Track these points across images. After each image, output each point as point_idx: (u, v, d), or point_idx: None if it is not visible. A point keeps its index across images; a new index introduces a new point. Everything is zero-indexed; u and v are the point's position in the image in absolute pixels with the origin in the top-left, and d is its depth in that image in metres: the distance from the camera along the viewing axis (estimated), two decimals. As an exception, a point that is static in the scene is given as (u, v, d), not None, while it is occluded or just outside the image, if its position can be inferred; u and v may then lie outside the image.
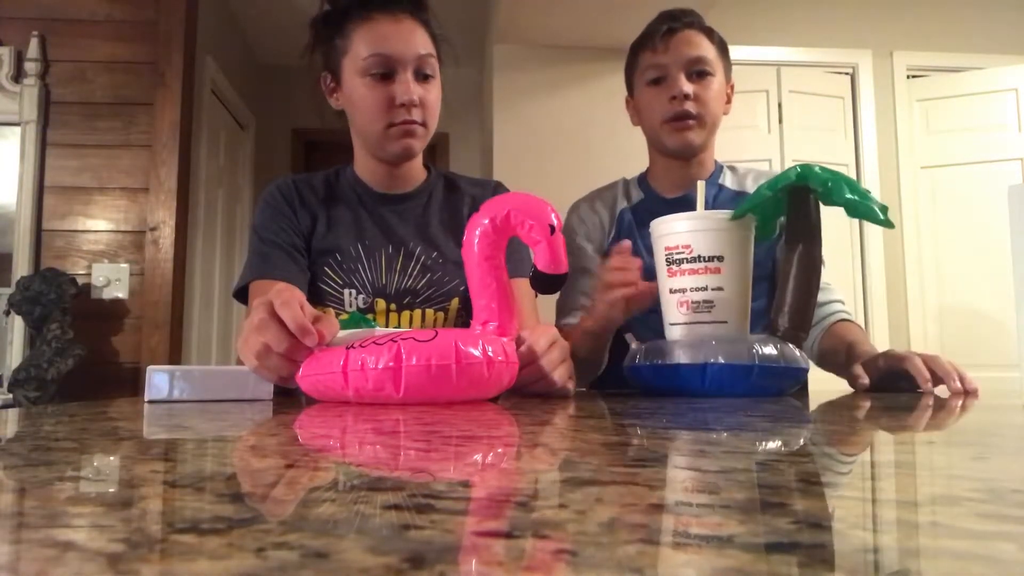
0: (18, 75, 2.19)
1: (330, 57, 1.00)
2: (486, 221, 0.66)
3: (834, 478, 0.24)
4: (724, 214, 0.74)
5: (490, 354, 0.60)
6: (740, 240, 0.74)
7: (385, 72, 0.95)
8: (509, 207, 0.66)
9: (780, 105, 3.11)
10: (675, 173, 1.16)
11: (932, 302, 3.12)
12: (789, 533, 0.16)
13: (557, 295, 1.17)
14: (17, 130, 2.17)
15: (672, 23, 1.11)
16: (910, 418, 0.50)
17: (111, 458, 0.29)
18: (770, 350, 0.68)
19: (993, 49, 3.27)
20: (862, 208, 0.68)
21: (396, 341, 0.59)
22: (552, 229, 0.65)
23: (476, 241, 0.67)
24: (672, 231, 0.75)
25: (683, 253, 0.74)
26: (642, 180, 1.21)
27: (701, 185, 0.80)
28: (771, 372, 0.68)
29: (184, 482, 0.23)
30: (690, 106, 1.08)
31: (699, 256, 0.73)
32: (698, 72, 1.09)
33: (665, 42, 1.10)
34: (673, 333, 0.76)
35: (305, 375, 0.63)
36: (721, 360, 0.68)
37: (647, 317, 1.01)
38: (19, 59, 2.19)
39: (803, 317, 0.70)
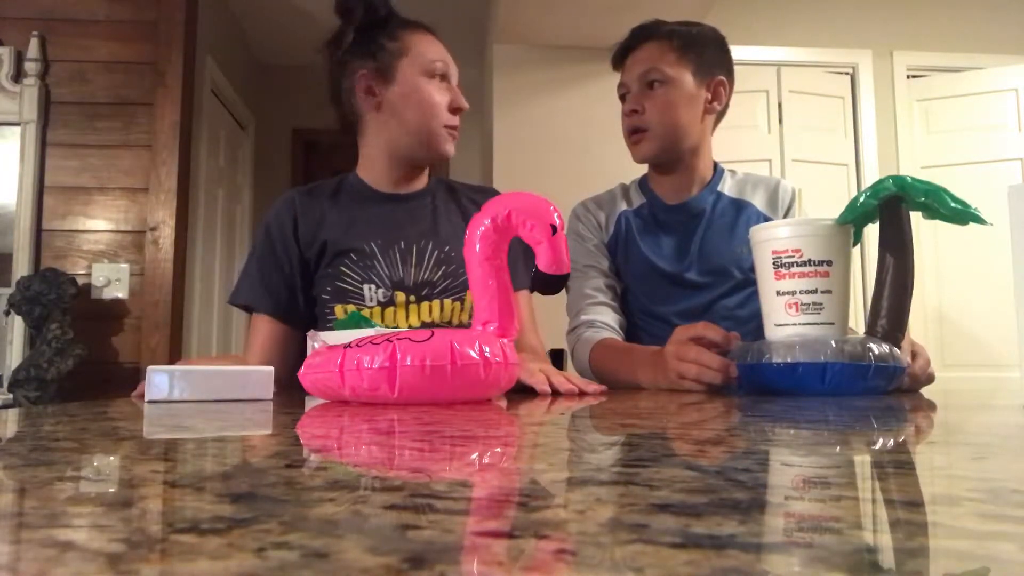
0: (18, 75, 2.19)
1: (376, 56, 1.04)
2: (487, 221, 0.66)
3: (834, 478, 0.24)
4: (830, 221, 0.77)
5: (487, 355, 0.60)
6: (845, 246, 0.78)
7: (444, 75, 1.05)
8: (510, 207, 0.66)
9: (780, 105, 3.11)
10: (668, 180, 1.17)
11: (932, 302, 3.12)
12: (789, 533, 0.16)
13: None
14: (17, 130, 2.16)
15: (629, 42, 1.15)
16: (908, 418, 0.50)
17: (111, 458, 0.29)
18: (882, 350, 0.70)
19: (993, 49, 3.27)
20: (968, 216, 0.72)
21: (392, 341, 0.59)
22: (554, 229, 0.65)
23: (477, 241, 0.66)
24: (781, 236, 0.78)
25: (793, 257, 0.76)
26: (643, 185, 1.21)
27: (796, 193, 0.85)
28: (883, 371, 0.70)
29: (184, 482, 0.23)
30: (637, 120, 1.11)
31: (809, 260, 0.76)
32: (649, 82, 1.11)
33: (622, 62, 1.15)
34: (780, 333, 0.77)
35: (305, 373, 0.63)
36: (844, 360, 0.70)
37: (659, 329, 1.03)
38: (19, 59, 2.19)
39: (899, 319, 0.74)
